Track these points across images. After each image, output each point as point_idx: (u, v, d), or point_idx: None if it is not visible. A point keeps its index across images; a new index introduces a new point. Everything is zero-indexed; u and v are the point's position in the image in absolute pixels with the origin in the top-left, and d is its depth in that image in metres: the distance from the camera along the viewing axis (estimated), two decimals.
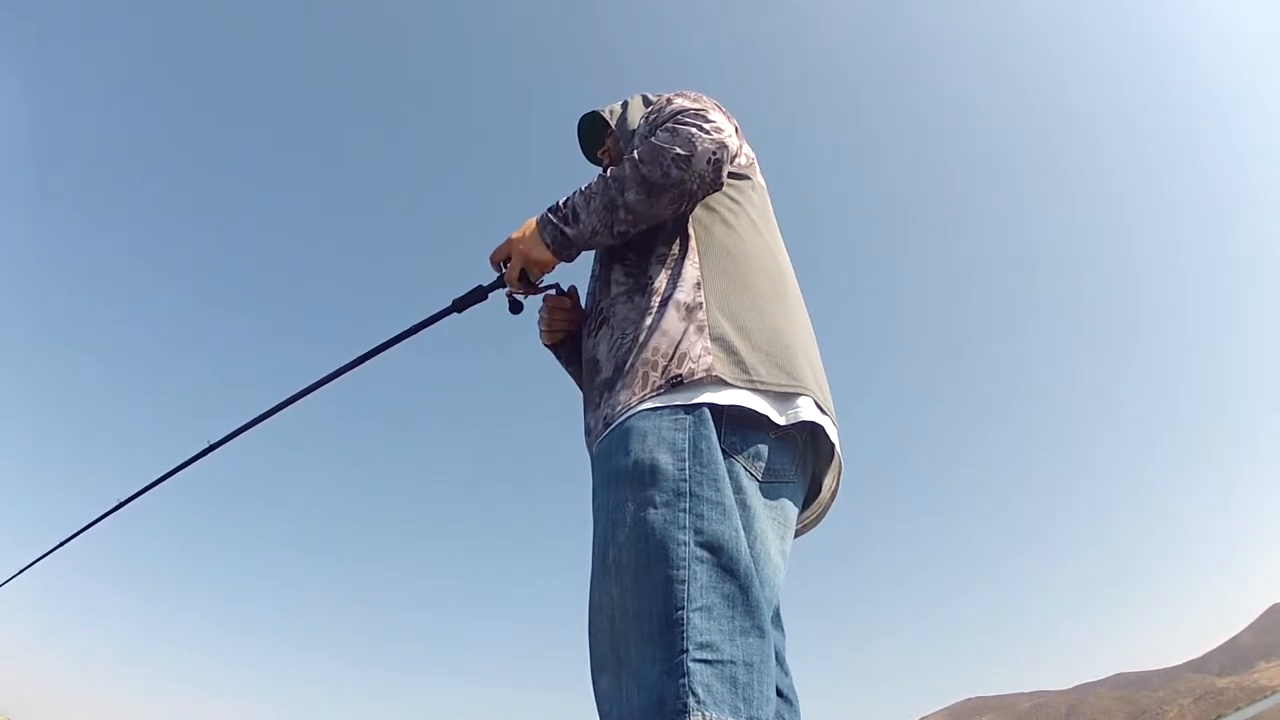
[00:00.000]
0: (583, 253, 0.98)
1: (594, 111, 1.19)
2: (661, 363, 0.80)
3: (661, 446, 0.75)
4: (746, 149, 1.05)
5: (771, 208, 1.05)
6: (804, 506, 0.92)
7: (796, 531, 0.93)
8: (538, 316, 1.09)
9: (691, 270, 0.89)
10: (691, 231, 0.93)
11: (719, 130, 0.92)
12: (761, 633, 0.67)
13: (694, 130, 0.90)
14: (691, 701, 0.61)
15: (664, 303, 0.87)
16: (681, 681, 0.62)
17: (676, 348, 0.81)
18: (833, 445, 0.86)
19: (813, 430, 0.83)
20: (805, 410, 0.81)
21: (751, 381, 0.79)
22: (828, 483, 0.92)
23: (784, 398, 0.81)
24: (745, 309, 0.86)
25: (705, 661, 0.63)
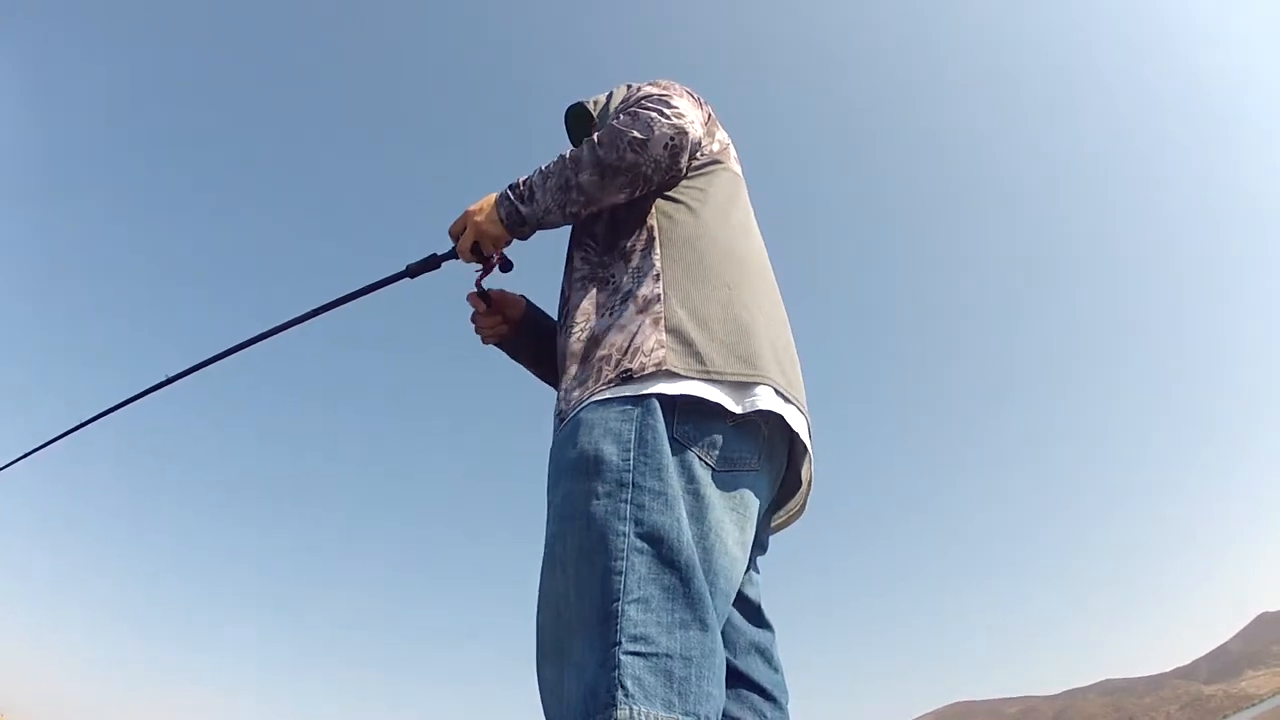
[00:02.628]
0: (537, 231, 0.98)
1: (579, 103, 1.18)
2: (615, 356, 0.80)
3: (607, 438, 0.74)
4: (721, 135, 1.04)
5: (746, 194, 1.04)
6: (785, 499, 0.92)
7: (779, 525, 0.94)
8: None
9: (651, 263, 0.88)
10: (654, 222, 0.92)
11: (680, 116, 0.91)
12: (704, 626, 0.66)
13: (654, 115, 0.90)
14: (620, 695, 0.60)
15: (624, 298, 0.86)
16: (613, 674, 0.61)
17: (631, 342, 0.81)
18: (802, 435, 0.84)
19: (781, 420, 0.81)
20: (764, 399, 0.78)
21: (706, 372, 0.78)
22: (805, 474, 0.91)
23: (742, 387, 0.79)
24: (705, 299, 0.84)
25: (638, 654, 0.62)
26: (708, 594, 0.67)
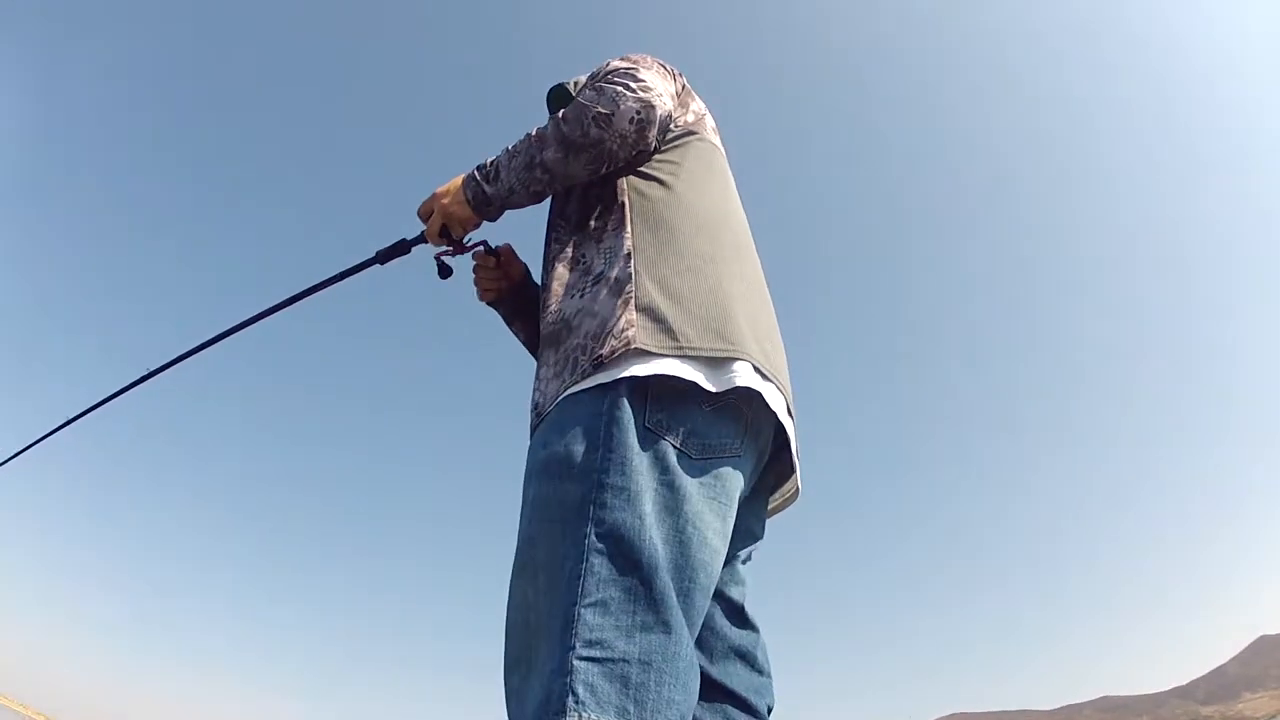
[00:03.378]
0: (506, 211, 0.96)
1: (560, 84, 1.14)
2: (589, 345, 0.77)
3: (576, 436, 0.71)
4: (696, 105, 1.01)
5: (725, 164, 1.01)
6: (779, 482, 0.89)
7: (775, 508, 0.91)
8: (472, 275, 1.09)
9: (622, 241, 0.84)
10: (626, 199, 0.89)
11: (647, 90, 0.88)
12: (666, 628, 0.62)
13: (619, 89, 0.87)
14: (570, 701, 0.58)
15: (595, 280, 0.83)
16: (566, 680, 0.59)
17: (604, 327, 0.77)
18: (780, 416, 0.79)
19: (763, 400, 0.77)
20: (742, 376, 0.74)
21: (680, 348, 0.74)
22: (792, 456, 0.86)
23: (718, 363, 0.75)
24: (679, 273, 0.81)
25: (592, 659, 0.60)
26: (672, 595, 0.64)
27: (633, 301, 0.78)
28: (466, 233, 0.99)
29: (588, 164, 0.88)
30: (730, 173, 1.01)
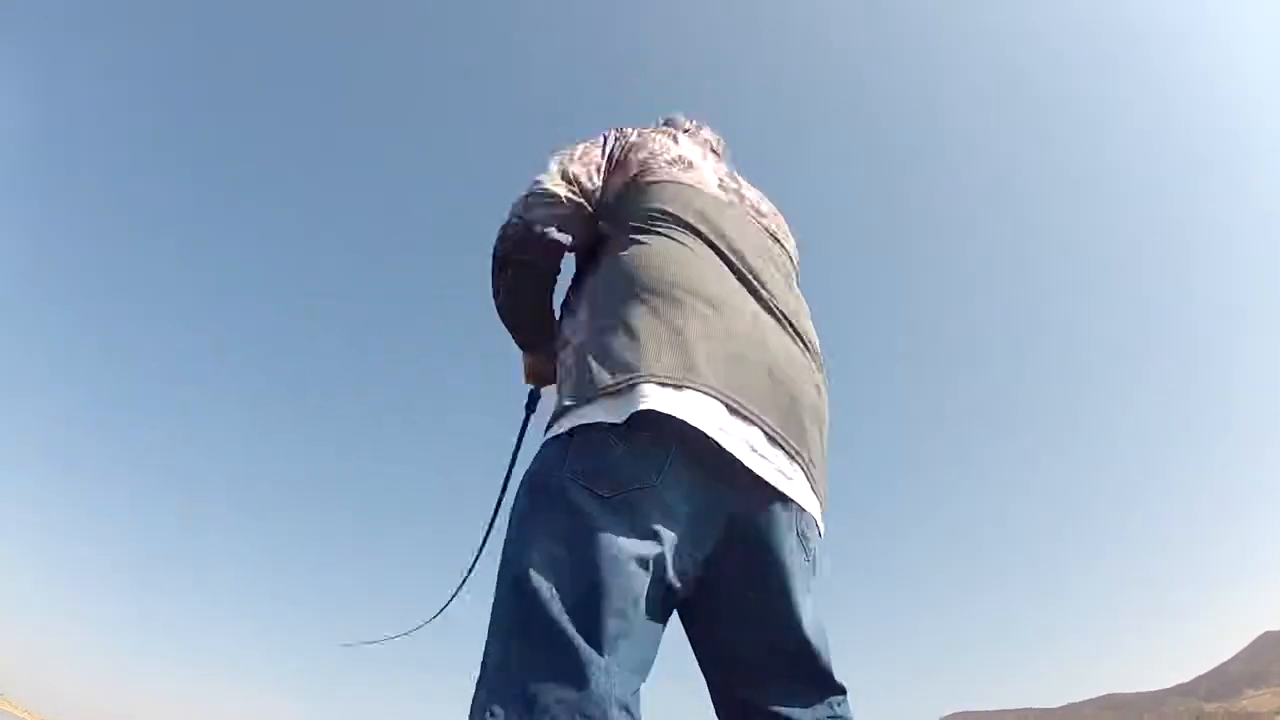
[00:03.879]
0: (539, 339, 1.05)
1: None
2: (554, 408, 0.83)
3: (522, 489, 0.77)
4: (641, 154, 1.00)
5: (680, 191, 0.97)
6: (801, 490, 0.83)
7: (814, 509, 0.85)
8: None
9: (577, 308, 0.90)
10: (583, 268, 0.96)
11: (535, 186, 0.94)
12: (560, 675, 0.64)
13: (510, 208, 0.95)
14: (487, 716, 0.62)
15: (563, 346, 0.90)
16: (483, 710, 0.63)
17: (560, 387, 0.85)
18: (693, 422, 0.75)
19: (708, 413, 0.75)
20: (647, 398, 0.74)
21: (589, 395, 0.77)
22: (756, 463, 0.78)
23: (620, 394, 0.75)
24: (607, 324, 0.83)
25: (488, 709, 0.63)
26: (576, 641, 0.65)
27: (571, 359, 0.84)
28: (528, 372, 1.15)
29: (499, 282, 0.99)
30: (697, 201, 0.97)
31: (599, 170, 0.98)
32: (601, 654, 0.65)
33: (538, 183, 0.95)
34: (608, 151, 1.01)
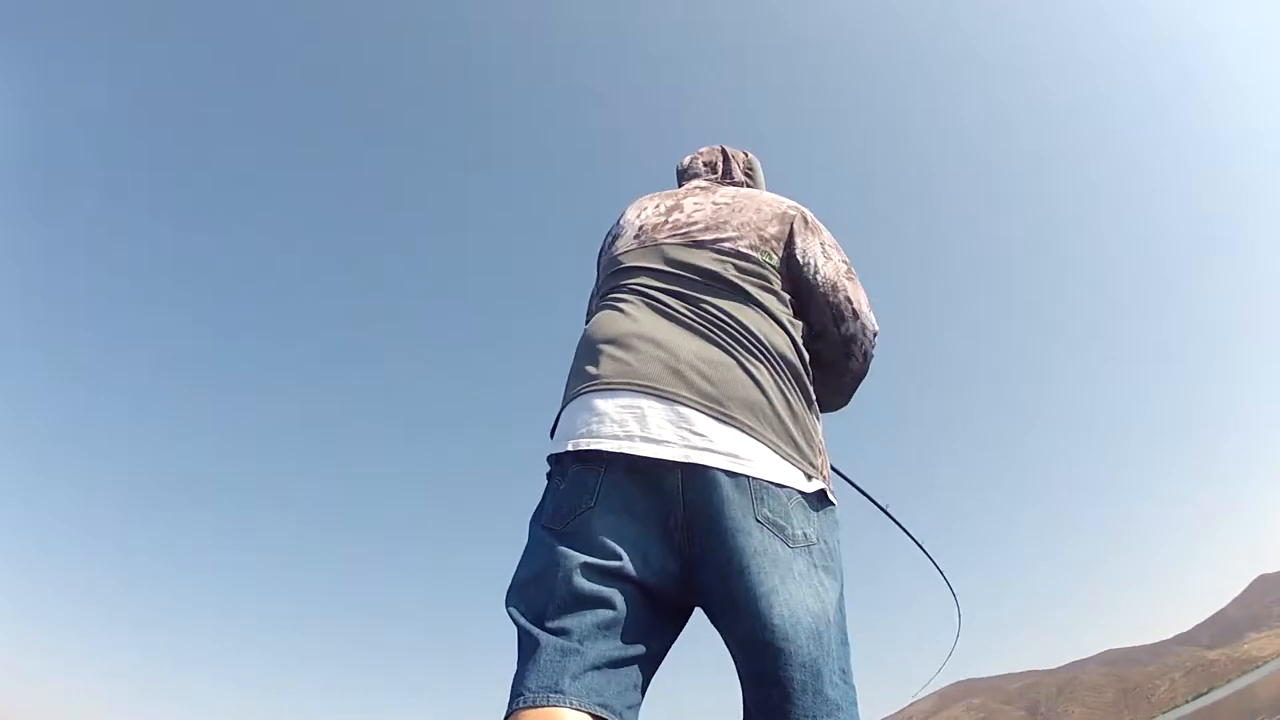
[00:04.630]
0: None
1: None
2: None
3: None
4: (617, 230, 1.15)
5: (612, 263, 1.09)
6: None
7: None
8: None
9: None
10: None
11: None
12: (526, 666, 0.73)
13: None
14: None
15: None
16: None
17: None
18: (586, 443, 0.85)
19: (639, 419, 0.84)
20: (560, 432, 0.89)
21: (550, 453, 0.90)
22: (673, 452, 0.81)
23: (553, 440, 0.90)
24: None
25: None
26: (539, 636, 0.75)
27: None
28: None
29: None
30: (622, 247, 1.10)
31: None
32: (562, 642, 0.74)
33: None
34: (600, 258, 1.18)
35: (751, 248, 1.02)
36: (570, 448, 0.84)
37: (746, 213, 1.08)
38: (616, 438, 0.82)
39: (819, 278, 1.03)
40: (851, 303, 1.04)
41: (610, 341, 0.92)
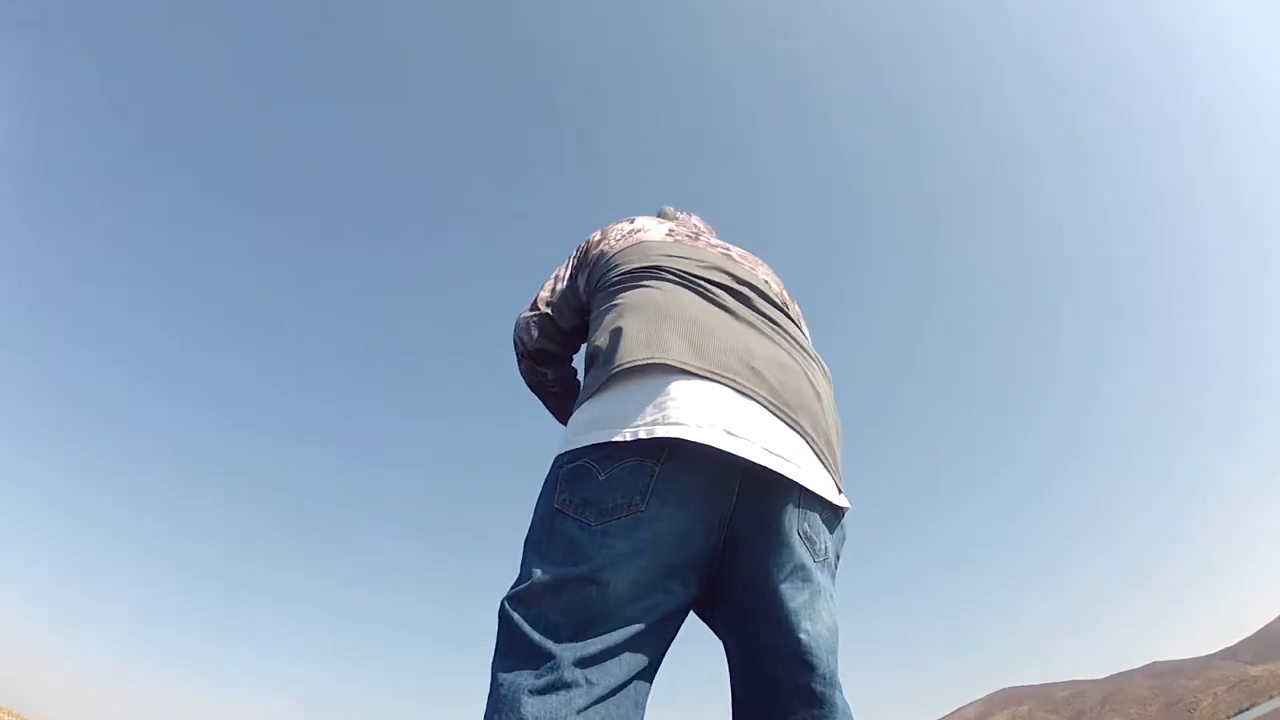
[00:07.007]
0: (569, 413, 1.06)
1: None
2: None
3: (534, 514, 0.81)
4: (594, 252, 1.09)
5: (650, 250, 1.02)
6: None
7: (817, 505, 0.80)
8: None
9: (586, 370, 0.93)
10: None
11: (516, 331, 1.12)
12: (528, 674, 0.66)
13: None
14: None
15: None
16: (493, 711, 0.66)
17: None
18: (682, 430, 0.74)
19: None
20: (615, 405, 0.79)
21: (582, 405, 0.82)
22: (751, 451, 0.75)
23: (608, 404, 0.79)
24: (599, 352, 0.86)
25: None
26: (550, 649, 0.68)
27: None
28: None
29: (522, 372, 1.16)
30: (654, 239, 1.07)
31: (560, 279, 1.10)
32: (577, 672, 0.67)
33: (523, 323, 1.10)
34: (571, 262, 1.12)
35: (779, 284, 1.09)
36: (629, 436, 0.74)
37: (761, 262, 1.12)
38: (700, 426, 0.75)
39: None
40: None
41: (684, 323, 0.85)
